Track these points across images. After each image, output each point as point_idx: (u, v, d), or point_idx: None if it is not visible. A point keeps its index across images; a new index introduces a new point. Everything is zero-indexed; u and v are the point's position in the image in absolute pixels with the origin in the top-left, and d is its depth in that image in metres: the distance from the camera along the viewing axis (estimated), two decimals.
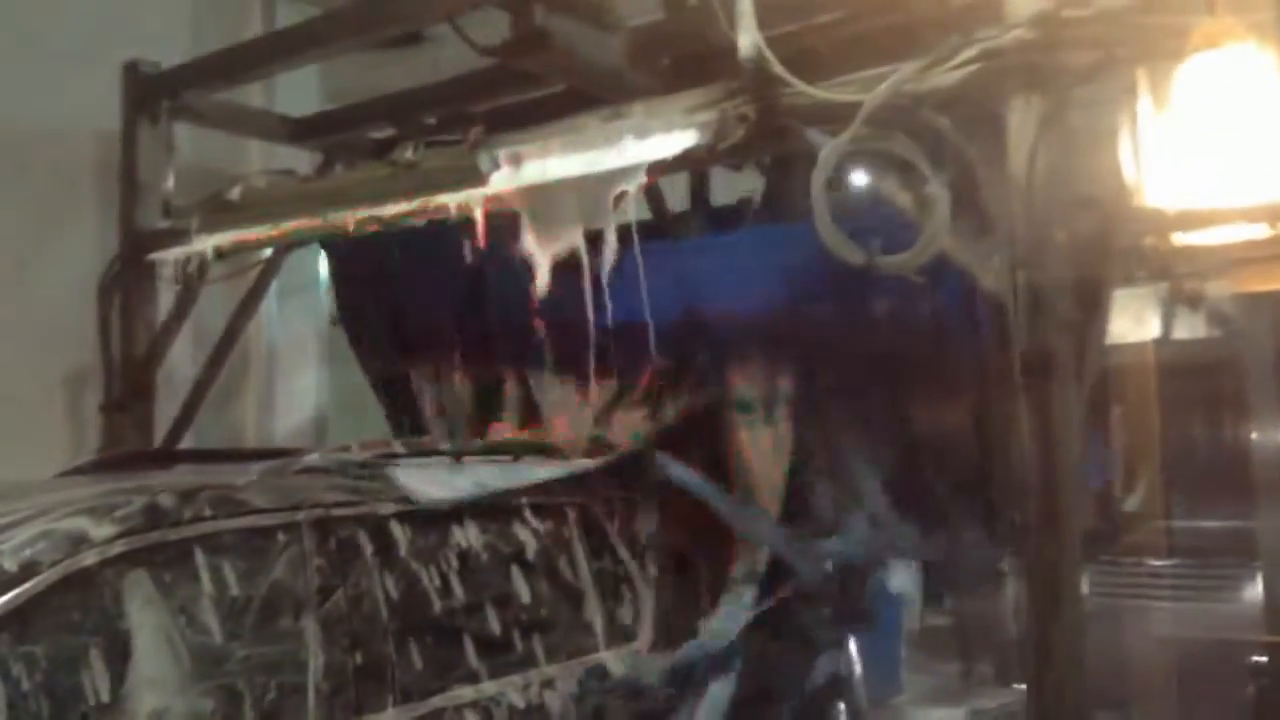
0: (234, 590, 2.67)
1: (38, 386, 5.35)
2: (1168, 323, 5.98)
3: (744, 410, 4.18)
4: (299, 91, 6.09)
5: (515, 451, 3.82)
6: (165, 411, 5.28)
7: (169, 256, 4.73)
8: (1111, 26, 3.06)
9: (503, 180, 3.66)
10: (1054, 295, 3.09)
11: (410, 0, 4.42)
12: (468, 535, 3.23)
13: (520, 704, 3.12)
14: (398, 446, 3.54)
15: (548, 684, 3.24)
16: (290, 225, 4.29)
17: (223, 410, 5.56)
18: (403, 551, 3.05)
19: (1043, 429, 3.09)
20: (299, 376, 5.62)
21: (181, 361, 5.46)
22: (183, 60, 5.38)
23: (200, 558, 2.63)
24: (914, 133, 3.26)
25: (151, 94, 5.25)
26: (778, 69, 3.31)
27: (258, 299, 5.37)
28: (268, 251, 5.13)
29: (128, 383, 5.22)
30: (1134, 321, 5.64)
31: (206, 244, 4.46)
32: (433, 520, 3.17)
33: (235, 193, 4.54)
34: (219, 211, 4.49)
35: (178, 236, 4.82)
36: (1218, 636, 5.12)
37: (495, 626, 3.20)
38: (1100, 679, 3.36)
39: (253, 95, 5.97)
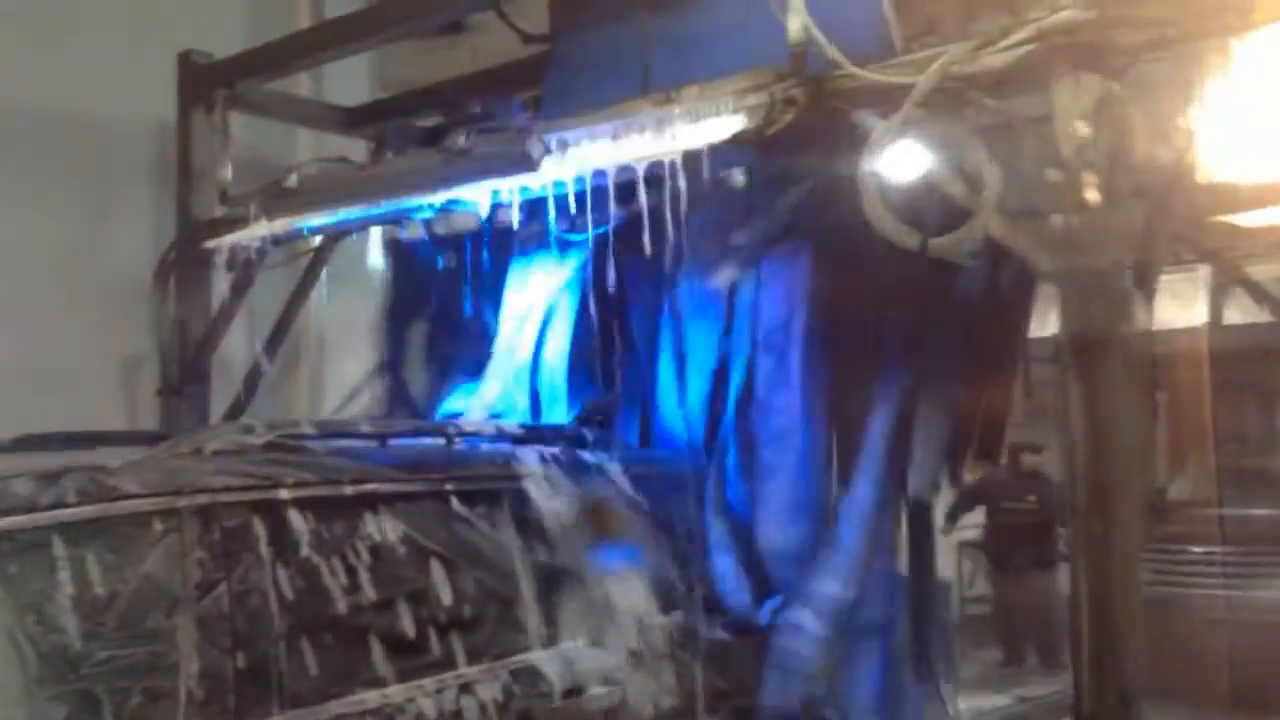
0: (96, 585, 2.41)
1: (96, 371, 5.49)
2: (1216, 307, 5.92)
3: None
4: (348, 80, 6.18)
5: (449, 433, 3.53)
6: (220, 396, 5.38)
7: (225, 243, 4.82)
8: (1166, 4, 3.04)
9: (553, 165, 3.70)
10: (1105, 278, 3.08)
11: None
12: (381, 524, 2.95)
13: (432, 712, 2.83)
14: (306, 425, 3.24)
15: (466, 689, 2.94)
16: (346, 211, 4.37)
17: (276, 395, 5.66)
18: (302, 542, 2.77)
19: (1092, 412, 3.09)
20: (350, 361, 5.70)
21: (235, 347, 5.57)
22: (235, 50, 5.49)
23: (58, 548, 2.38)
24: (964, 114, 3.26)
25: (206, 83, 5.35)
26: (828, 51, 3.32)
27: (310, 285, 5.47)
28: (319, 239, 5.23)
29: (183, 368, 5.34)
30: (1182, 306, 5.60)
31: (264, 230, 4.54)
32: (341, 507, 2.89)
33: (293, 180, 4.63)
34: (277, 198, 4.58)
35: (233, 224, 4.92)
36: (1267, 620, 5.08)
37: (408, 625, 2.89)
38: (1149, 664, 3.35)
39: (302, 84, 6.06)
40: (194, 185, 5.32)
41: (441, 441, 3.48)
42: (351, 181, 4.48)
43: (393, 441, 3.36)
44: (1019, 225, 3.25)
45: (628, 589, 3.41)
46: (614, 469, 3.66)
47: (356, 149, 5.92)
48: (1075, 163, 3.08)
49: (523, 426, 3.82)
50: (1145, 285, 3.48)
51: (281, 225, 4.52)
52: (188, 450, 2.90)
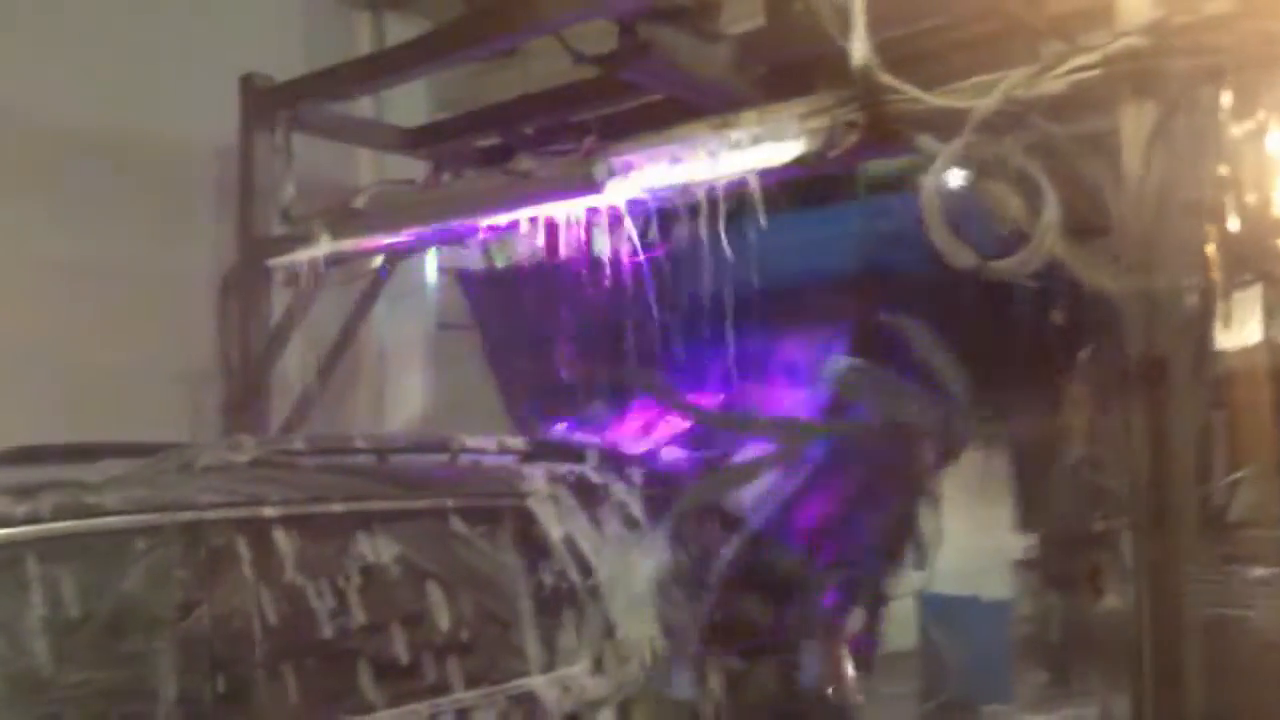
0: (71, 605, 2.32)
1: (160, 386, 5.61)
2: (1273, 326, 5.87)
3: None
4: (406, 101, 6.30)
5: (453, 449, 3.37)
6: (281, 411, 5.50)
7: (289, 261, 4.94)
8: (1224, 32, 3.07)
9: (617, 188, 3.77)
10: (1169, 300, 3.11)
11: (516, 15, 4.55)
12: (374, 544, 2.82)
13: None
14: (299, 442, 3.11)
15: (462, 715, 2.83)
16: (410, 231, 4.47)
17: (335, 411, 5.77)
18: (290, 562, 2.65)
19: (1156, 433, 3.11)
20: (408, 378, 5.82)
21: (294, 363, 5.69)
22: (294, 71, 5.62)
23: (32, 567, 2.30)
24: (1024, 138, 3.30)
25: (268, 106, 5.48)
26: (888, 76, 3.37)
27: (370, 303, 5.58)
28: (379, 258, 5.34)
29: (245, 383, 5.46)
30: (1238, 325, 5.55)
31: (329, 249, 4.65)
32: (331, 526, 2.78)
33: (361, 200, 4.74)
34: (342, 218, 4.69)
35: (295, 243, 5.04)
36: None
37: (400, 650, 2.77)
38: (1208, 687, 3.34)
39: (362, 106, 6.19)
40: (256, 205, 5.45)
41: (444, 458, 3.35)
42: (416, 202, 4.58)
43: (392, 458, 3.23)
44: (1080, 246, 3.28)
45: (633, 613, 3.29)
46: (622, 489, 3.50)
47: (414, 169, 6.04)
48: (1137, 184, 3.11)
49: (531, 442, 3.68)
50: (1207, 305, 3.50)
51: (346, 244, 4.62)
52: (175, 466, 2.80)
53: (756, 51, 4.40)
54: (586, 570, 3.23)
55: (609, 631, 3.19)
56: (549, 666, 3.06)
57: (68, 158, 5.41)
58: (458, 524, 3.02)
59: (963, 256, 3.30)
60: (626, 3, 4.18)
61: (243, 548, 2.60)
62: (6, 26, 5.25)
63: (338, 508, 2.82)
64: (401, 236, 4.57)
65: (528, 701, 2.98)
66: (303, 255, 4.99)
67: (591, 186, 3.76)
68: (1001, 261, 3.30)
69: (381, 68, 5.33)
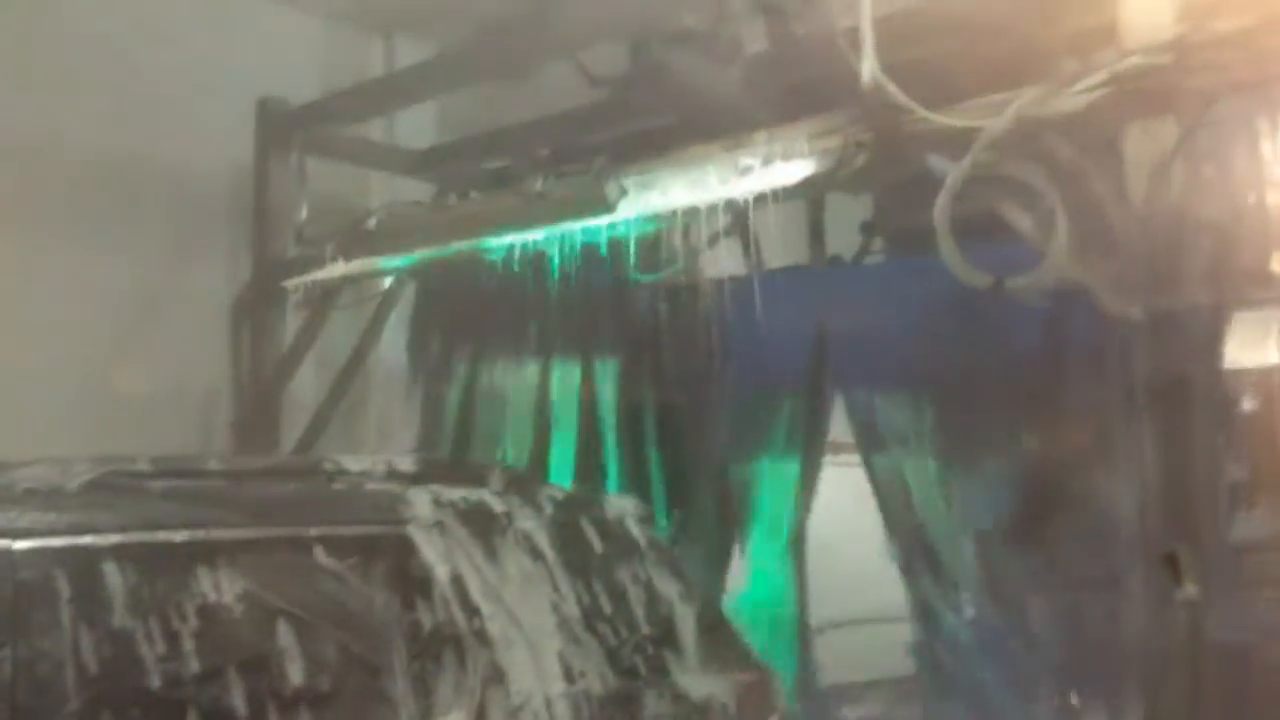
0: None
1: (173, 406, 5.63)
2: None
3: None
4: (416, 123, 6.33)
5: (327, 472, 3.09)
6: (292, 432, 5.51)
7: (303, 282, 4.96)
8: (1238, 50, 3.07)
9: (629, 208, 3.78)
10: (1183, 319, 3.10)
11: (527, 38, 4.59)
12: (217, 578, 2.51)
13: None
14: (143, 464, 2.80)
15: None
16: (424, 251, 4.49)
17: (345, 432, 5.78)
18: (117, 601, 2.35)
19: (1172, 455, 3.09)
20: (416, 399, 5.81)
21: (305, 383, 5.71)
22: (308, 95, 5.67)
23: None
24: (1035, 157, 3.30)
25: (283, 129, 5.52)
26: (899, 96, 3.38)
27: (381, 324, 5.59)
28: (389, 279, 5.37)
29: (256, 403, 5.47)
30: (1251, 346, 5.52)
31: (341, 270, 4.67)
32: (167, 559, 2.48)
33: (372, 222, 4.77)
34: (355, 239, 4.72)
35: (308, 264, 5.06)
36: None
37: (239, 699, 2.43)
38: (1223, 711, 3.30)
39: (374, 128, 6.23)
40: (270, 226, 5.48)
41: (318, 481, 3.05)
42: (429, 223, 4.60)
43: (253, 482, 2.94)
44: (1092, 266, 3.27)
45: (525, 655, 2.94)
46: (528, 517, 3.17)
47: (424, 190, 6.07)
48: (1143, 203, 3.11)
49: (423, 463, 3.36)
50: (1218, 326, 3.48)
51: (359, 265, 4.64)
52: None
53: (768, 72, 4.42)
54: (471, 610, 2.88)
55: (496, 679, 2.84)
56: (422, 717, 2.72)
57: (83, 180, 5.44)
58: (321, 556, 2.70)
59: (975, 278, 3.30)
60: (638, 25, 4.21)
61: (60, 583, 2.30)
62: (22, 51, 5.30)
63: (176, 538, 2.51)
64: (413, 257, 4.59)
65: None
66: (317, 276, 5.01)
67: (603, 207, 3.77)
68: (1015, 281, 3.29)
69: (395, 91, 5.38)
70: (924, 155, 3.44)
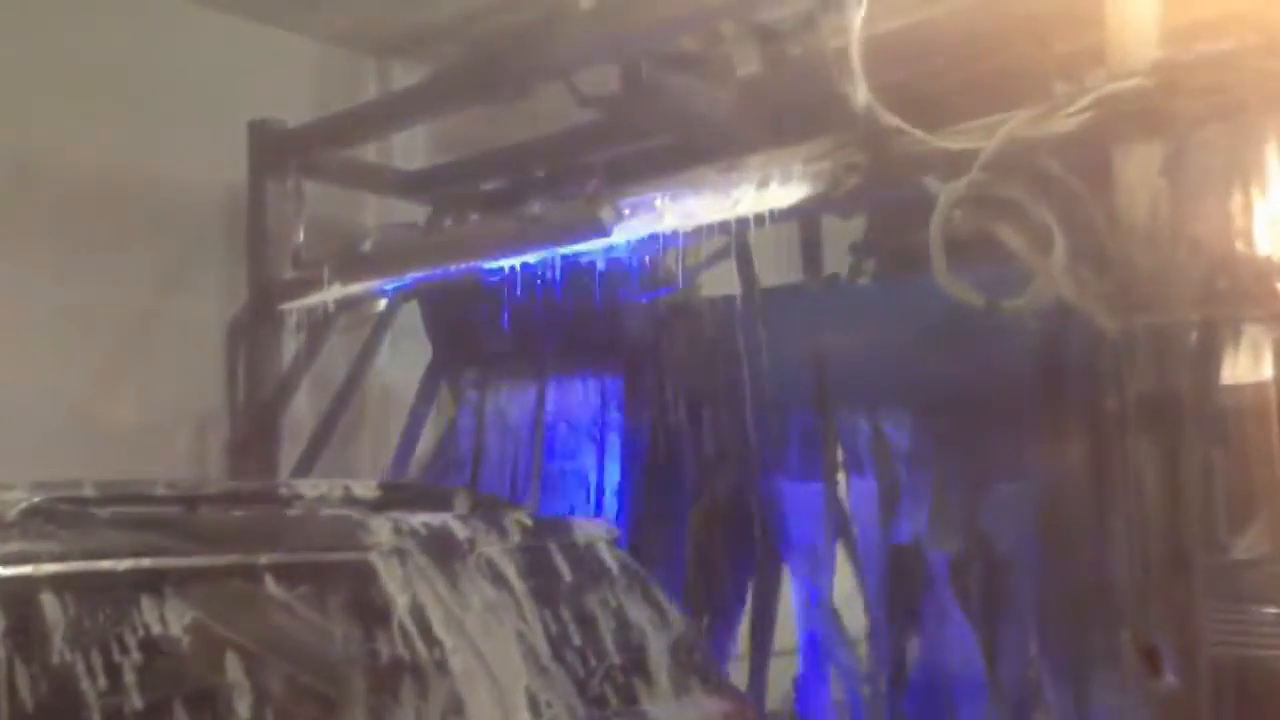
0: None
1: (169, 429, 5.62)
2: None
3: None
4: (410, 144, 6.34)
5: (281, 497, 3.01)
6: (291, 454, 5.50)
7: (299, 305, 4.96)
8: (1229, 71, 3.10)
9: (624, 231, 3.80)
10: (1176, 337, 3.11)
11: (520, 60, 4.60)
12: (163, 610, 2.41)
13: None
14: (87, 489, 2.69)
15: None
16: (418, 274, 4.50)
17: (341, 451, 5.77)
18: (56, 634, 2.26)
19: (1166, 472, 3.10)
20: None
21: (303, 406, 5.71)
22: (299, 117, 5.68)
23: None
24: (1028, 178, 3.33)
25: (278, 151, 5.53)
26: (892, 118, 3.40)
27: (376, 345, 5.60)
28: (384, 301, 5.37)
29: (254, 425, 5.47)
30: (1246, 363, 5.53)
31: (338, 293, 4.68)
32: (110, 589, 2.37)
33: (368, 245, 4.78)
34: (350, 262, 4.73)
35: (305, 286, 5.06)
36: None
37: None
38: None
39: (368, 149, 6.24)
40: (267, 249, 5.48)
41: (272, 508, 2.96)
42: (424, 246, 4.61)
43: (204, 508, 2.84)
44: (1085, 285, 3.29)
45: (487, 686, 2.84)
46: (493, 544, 3.08)
47: (419, 212, 6.08)
48: (1138, 223, 3.13)
49: (384, 487, 3.25)
50: (1212, 342, 3.50)
51: (355, 288, 4.65)
52: None
53: (762, 94, 4.44)
54: (432, 640, 2.79)
55: (456, 710, 2.74)
56: None
57: (77, 204, 5.44)
58: (273, 585, 2.60)
59: (968, 296, 3.32)
60: (632, 47, 4.23)
61: None
62: (15, 74, 5.31)
63: (118, 567, 2.41)
64: (409, 280, 4.60)
65: None
66: (313, 299, 5.02)
67: (599, 230, 3.78)
68: (1009, 301, 3.31)
69: (390, 113, 5.39)
70: (917, 177, 3.46)
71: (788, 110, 4.29)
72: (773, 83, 4.42)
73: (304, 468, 5.51)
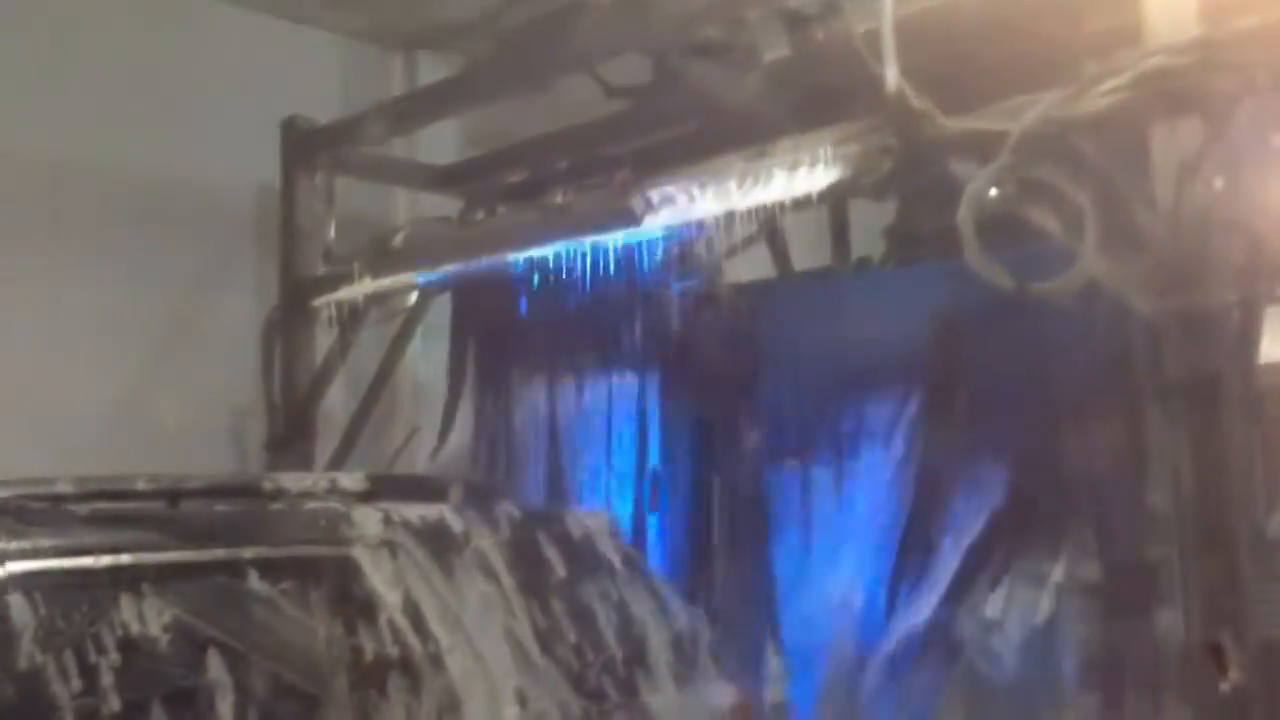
0: None
1: (206, 426, 5.69)
2: None
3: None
4: (436, 136, 6.37)
5: (265, 491, 2.94)
6: (326, 448, 5.55)
7: (332, 300, 5.00)
8: (1263, 48, 3.05)
9: (654, 220, 3.80)
10: (1216, 317, 3.08)
11: (547, 52, 4.60)
12: (142, 608, 2.33)
13: None
14: (64, 484, 2.62)
15: None
16: (449, 268, 4.52)
17: (373, 445, 5.82)
18: (27, 634, 2.19)
19: (1205, 454, 3.07)
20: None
21: (338, 400, 5.75)
22: (328, 113, 5.71)
23: None
24: (1061, 159, 3.29)
25: (309, 148, 5.57)
26: (922, 101, 3.37)
27: (407, 339, 5.63)
28: (415, 295, 5.40)
29: (290, 421, 5.52)
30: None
31: (369, 288, 4.71)
32: (85, 587, 2.30)
33: (399, 239, 4.81)
34: (381, 257, 4.76)
35: (337, 282, 5.10)
36: None
37: None
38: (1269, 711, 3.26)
39: (397, 144, 6.27)
40: (299, 245, 5.52)
41: (254, 501, 2.90)
42: (455, 239, 4.63)
43: (185, 503, 2.78)
44: (1120, 266, 3.25)
45: (482, 680, 2.80)
46: (486, 536, 3.02)
47: (449, 205, 6.10)
48: (1170, 202, 3.09)
49: (373, 479, 3.17)
50: (1251, 322, 3.46)
51: (386, 283, 4.67)
52: None
53: (789, 79, 4.42)
54: (426, 635, 2.73)
55: (451, 706, 2.69)
56: None
57: (110, 204, 5.51)
58: (255, 580, 2.54)
59: (1000, 279, 3.29)
60: (657, 36, 4.22)
61: None
62: (50, 77, 5.38)
63: (94, 564, 2.34)
64: (440, 273, 4.62)
65: None
66: (345, 294, 5.05)
67: (629, 220, 3.78)
68: (1043, 284, 3.28)
69: (420, 107, 5.42)
70: (948, 160, 3.43)
71: (816, 94, 4.27)
72: (801, 66, 4.40)
73: (338, 462, 5.55)
